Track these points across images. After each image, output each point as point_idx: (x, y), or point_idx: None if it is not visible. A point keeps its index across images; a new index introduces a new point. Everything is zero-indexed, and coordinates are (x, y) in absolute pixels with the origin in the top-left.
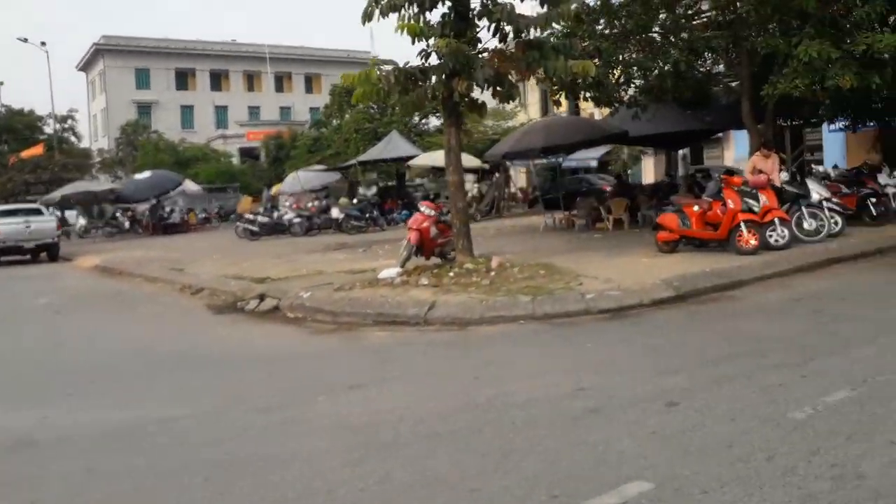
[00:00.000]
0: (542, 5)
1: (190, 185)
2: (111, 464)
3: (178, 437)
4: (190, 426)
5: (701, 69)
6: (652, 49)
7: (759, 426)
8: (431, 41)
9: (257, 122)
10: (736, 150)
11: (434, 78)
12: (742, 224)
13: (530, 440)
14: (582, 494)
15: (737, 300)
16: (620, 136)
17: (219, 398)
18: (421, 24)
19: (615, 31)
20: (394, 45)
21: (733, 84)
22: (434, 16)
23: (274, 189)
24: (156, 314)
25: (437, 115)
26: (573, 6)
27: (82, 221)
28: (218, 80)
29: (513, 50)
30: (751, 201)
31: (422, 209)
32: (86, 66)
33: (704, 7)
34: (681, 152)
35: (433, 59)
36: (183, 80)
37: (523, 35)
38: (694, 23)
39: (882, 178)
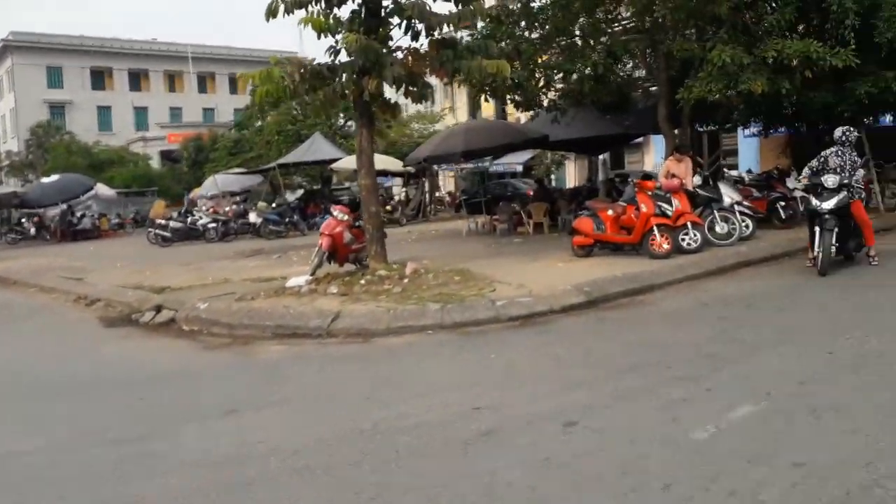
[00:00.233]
0: (455, 4)
1: (103, 190)
2: None
3: (14, 477)
4: (33, 463)
5: (620, 73)
6: (572, 52)
7: (659, 449)
8: (339, 37)
9: (179, 123)
10: (656, 154)
11: (344, 76)
12: (655, 228)
13: (412, 473)
14: None
15: (646, 305)
16: (542, 141)
17: (76, 428)
18: (330, 20)
19: (536, 33)
20: (324, 46)
21: (652, 89)
22: (344, 12)
23: (193, 193)
24: (42, 329)
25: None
26: (488, 5)
27: None
28: (137, 80)
29: (427, 49)
30: (664, 205)
31: (334, 214)
32: None
33: (624, 13)
34: (601, 157)
35: (343, 57)
36: (99, 79)
37: (436, 34)
38: (614, 27)
39: (790, 182)
